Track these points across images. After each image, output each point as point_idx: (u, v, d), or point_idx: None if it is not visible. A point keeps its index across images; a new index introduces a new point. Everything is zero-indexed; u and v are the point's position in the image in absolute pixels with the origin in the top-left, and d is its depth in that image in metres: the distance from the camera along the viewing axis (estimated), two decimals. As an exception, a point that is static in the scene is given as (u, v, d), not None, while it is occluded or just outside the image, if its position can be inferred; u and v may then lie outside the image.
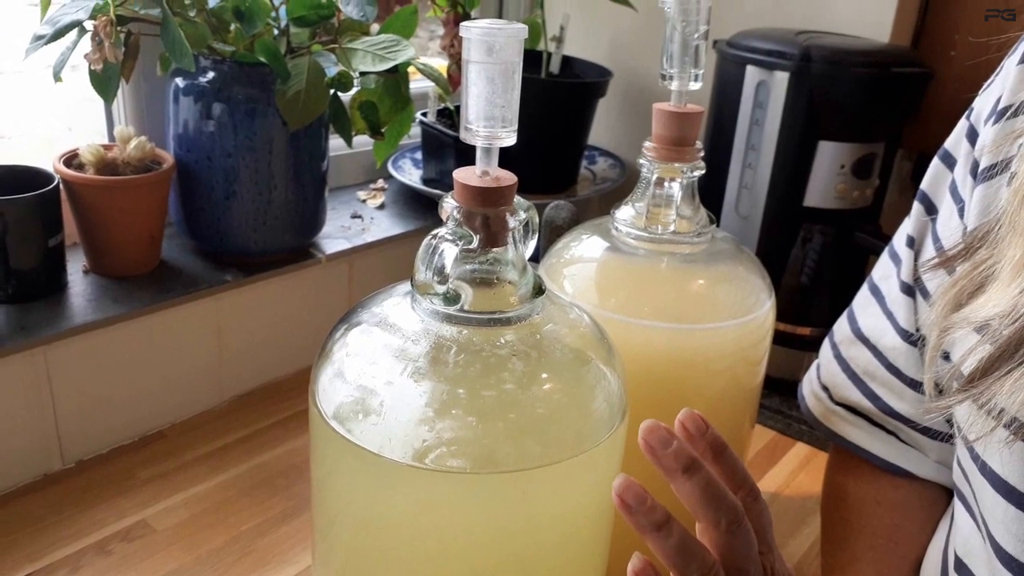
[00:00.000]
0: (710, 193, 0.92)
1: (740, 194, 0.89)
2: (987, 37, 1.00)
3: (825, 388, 0.60)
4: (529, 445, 0.44)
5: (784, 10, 1.03)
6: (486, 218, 0.43)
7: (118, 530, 0.65)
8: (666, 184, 0.57)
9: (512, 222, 0.44)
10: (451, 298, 0.43)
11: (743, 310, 0.59)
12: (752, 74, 0.85)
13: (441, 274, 0.41)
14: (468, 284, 0.44)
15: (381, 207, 1.04)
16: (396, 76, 0.86)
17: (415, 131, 1.08)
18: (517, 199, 0.45)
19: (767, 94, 0.84)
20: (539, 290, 0.46)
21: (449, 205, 0.43)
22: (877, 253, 0.89)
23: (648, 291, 0.59)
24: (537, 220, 0.48)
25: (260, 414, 0.81)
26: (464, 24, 0.41)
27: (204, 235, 0.83)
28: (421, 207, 1.05)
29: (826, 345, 0.62)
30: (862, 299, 0.60)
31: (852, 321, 0.60)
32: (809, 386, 0.63)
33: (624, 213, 0.60)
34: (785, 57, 0.83)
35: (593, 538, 0.49)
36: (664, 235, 0.58)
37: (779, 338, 0.92)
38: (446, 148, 1.03)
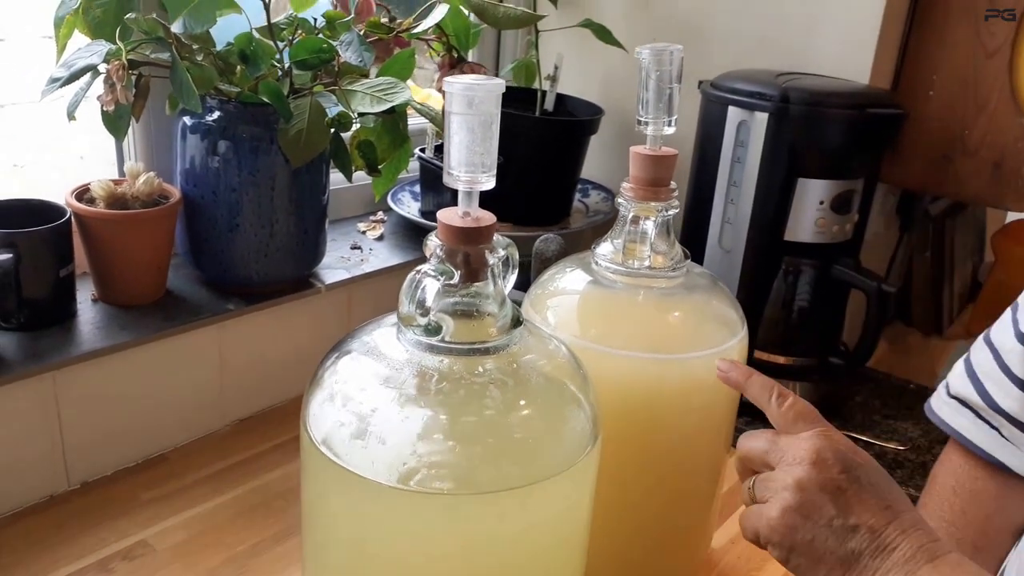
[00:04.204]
0: (695, 227, 0.96)
1: (723, 228, 0.92)
2: (962, 78, 1.05)
3: (947, 385, 0.67)
4: (507, 467, 0.47)
5: (769, 52, 1.07)
6: (467, 255, 0.47)
7: (119, 549, 0.68)
8: (641, 222, 0.61)
9: (491, 259, 0.48)
10: (433, 329, 0.46)
11: (716, 340, 0.62)
12: (734, 114, 0.89)
13: (423, 307, 0.44)
14: (450, 316, 0.47)
15: (380, 238, 1.08)
16: (394, 115, 0.91)
17: (414, 165, 1.12)
18: (497, 237, 0.48)
19: (748, 133, 0.88)
20: (517, 322, 0.49)
21: (433, 243, 0.47)
22: (856, 286, 0.93)
23: (625, 323, 0.62)
24: (516, 256, 0.51)
25: (259, 438, 0.84)
26: (447, 80, 0.45)
27: (208, 266, 0.87)
28: (419, 239, 1.09)
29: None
30: (1006, 312, 0.66)
31: (990, 329, 0.66)
32: (938, 387, 0.70)
33: (604, 249, 0.64)
34: (765, 98, 0.87)
35: (569, 554, 0.52)
36: (640, 270, 0.62)
37: (761, 367, 0.94)
38: (443, 182, 1.07)
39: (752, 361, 0.95)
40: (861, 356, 0.92)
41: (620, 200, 0.62)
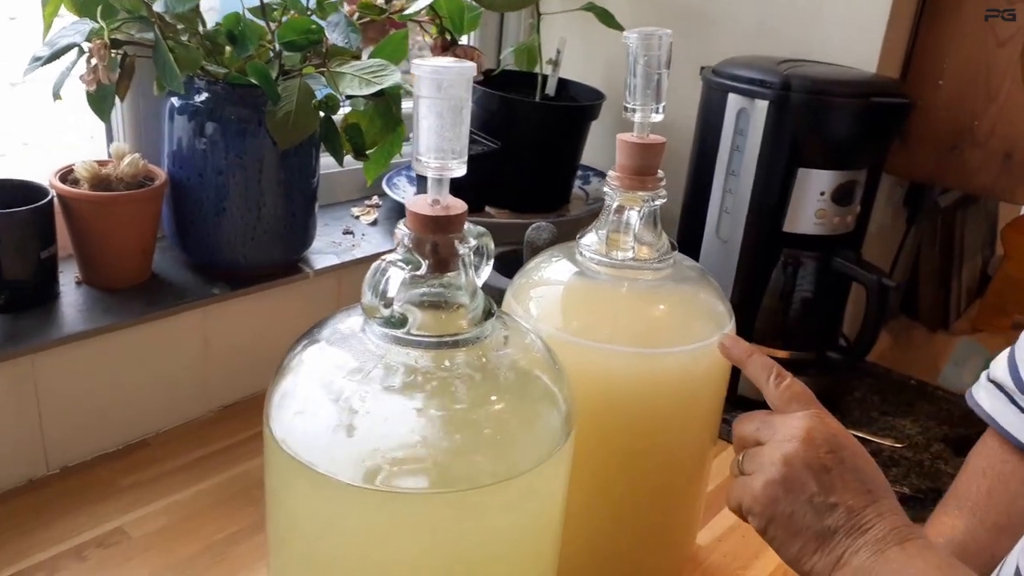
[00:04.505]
0: (693, 216, 0.94)
1: (721, 218, 0.90)
2: (973, 67, 1.02)
3: (988, 370, 0.67)
4: (476, 464, 0.45)
5: (773, 38, 1.04)
6: (435, 245, 0.45)
7: (95, 536, 0.67)
8: (626, 212, 0.59)
9: (462, 248, 0.46)
10: (397, 321, 0.44)
11: (702, 335, 0.60)
12: (733, 101, 0.87)
13: (385, 298, 0.43)
14: (417, 308, 0.45)
15: (374, 223, 1.06)
16: (385, 98, 0.89)
17: (410, 149, 1.11)
18: (468, 226, 0.47)
19: (747, 122, 0.86)
20: (489, 313, 0.48)
21: (400, 232, 0.45)
22: (856, 279, 0.91)
23: (608, 315, 0.60)
24: (491, 246, 0.50)
25: (242, 425, 0.84)
26: (415, 62, 0.43)
27: (195, 249, 0.86)
28: (413, 224, 1.07)
29: None
30: None
31: None
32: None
33: (588, 239, 0.62)
34: (765, 86, 0.85)
35: (540, 550, 0.51)
36: (625, 261, 0.60)
37: (759, 361, 0.93)
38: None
39: (748, 354, 0.93)
40: (860, 351, 0.90)
41: (606, 189, 0.60)
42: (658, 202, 0.60)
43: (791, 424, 0.50)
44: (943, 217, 1.32)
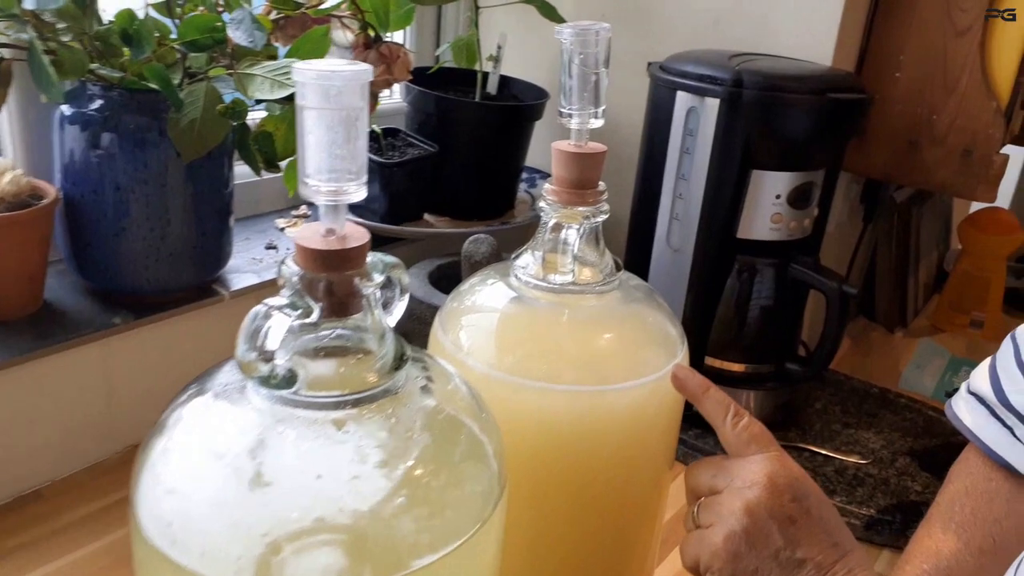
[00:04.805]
0: (642, 225, 0.88)
1: (671, 226, 0.84)
2: (931, 58, 0.97)
3: (968, 381, 0.63)
4: (388, 545, 0.38)
5: (725, 32, 0.99)
6: (330, 284, 0.38)
7: (-30, 610, 0.59)
8: (563, 230, 0.52)
9: (365, 287, 0.39)
10: (279, 382, 0.37)
11: (652, 366, 0.54)
12: (682, 100, 0.81)
13: (264, 352, 0.36)
14: (311, 359, 0.38)
15: (301, 236, 0.98)
16: (307, 101, 0.81)
17: (339, 156, 1.03)
18: (373, 259, 0.40)
19: (697, 121, 0.80)
20: (400, 360, 0.41)
21: (288, 270, 0.38)
22: (815, 287, 0.85)
23: (548, 349, 0.53)
24: (405, 279, 0.43)
25: (152, 468, 0.75)
26: (296, 66, 0.36)
27: (93, 273, 0.77)
28: (345, 236, 1.00)
29: None
30: None
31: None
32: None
33: (524, 260, 0.55)
34: (716, 82, 0.79)
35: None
36: (565, 286, 0.53)
37: (713, 374, 0.87)
38: (370, 172, 0.97)
39: (702, 369, 0.88)
40: (821, 363, 0.85)
41: (541, 204, 0.54)
42: (600, 218, 0.53)
43: (751, 469, 0.47)
44: (899, 213, 1.28)
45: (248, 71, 0.73)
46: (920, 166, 0.99)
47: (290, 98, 0.72)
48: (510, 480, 0.43)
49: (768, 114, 0.79)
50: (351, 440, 0.38)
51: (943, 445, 0.89)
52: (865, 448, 0.87)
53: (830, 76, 0.85)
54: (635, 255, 0.89)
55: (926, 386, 1.05)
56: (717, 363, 0.88)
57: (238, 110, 0.74)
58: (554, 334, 0.54)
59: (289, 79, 0.72)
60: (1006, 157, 0.96)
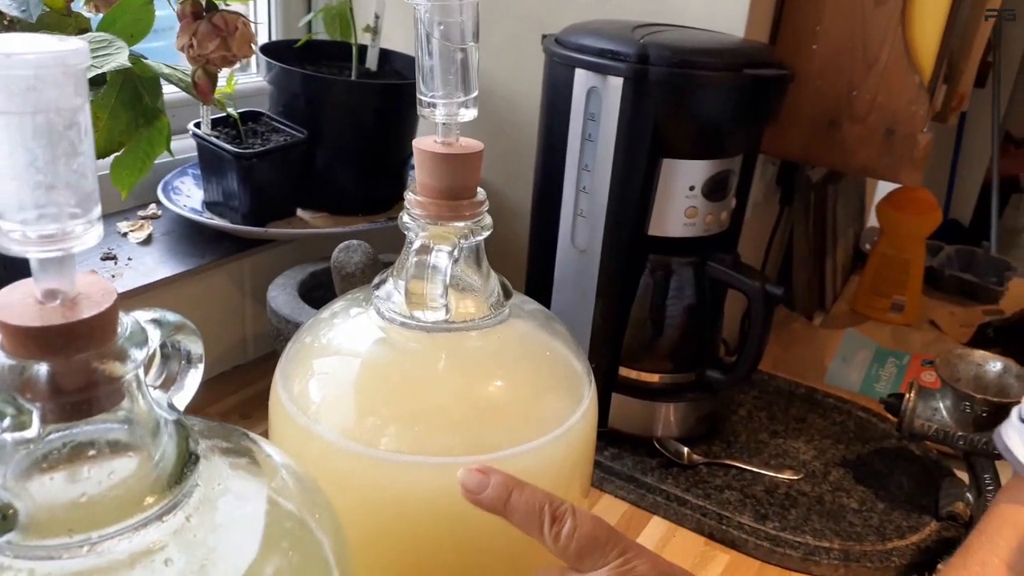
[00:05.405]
0: (544, 222, 0.77)
1: (576, 223, 0.74)
2: (849, 29, 0.89)
3: (1020, 407, 0.59)
4: None
5: (626, 0, 0.88)
6: (54, 376, 0.25)
7: None
8: (432, 253, 0.41)
9: (123, 369, 0.26)
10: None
11: (556, 416, 0.43)
12: (582, 79, 0.70)
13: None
14: (37, 483, 0.26)
15: (147, 242, 0.84)
16: (134, 83, 0.67)
17: (189, 144, 0.88)
18: (134, 324, 0.27)
19: (600, 104, 0.69)
20: (186, 463, 0.29)
21: (-12, 358, 0.25)
22: (735, 286, 0.76)
23: (417, 408, 0.42)
24: (198, 349, 0.30)
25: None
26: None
27: None
28: (202, 239, 0.86)
29: None
30: None
31: None
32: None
33: (387, 290, 0.43)
34: (619, 58, 0.68)
35: None
36: (438, 324, 0.42)
37: (625, 387, 0.78)
38: (226, 164, 0.83)
39: (616, 381, 0.78)
40: (745, 371, 0.76)
41: (405, 219, 0.42)
42: (480, 236, 0.42)
43: None
44: (815, 192, 1.21)
45: (42, 48, 0.58)
46: (840, 147, 0.91)
47: (95, 82, 0.58)
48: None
49: (679, 94, 0.69)
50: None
51: (876, 452, 0.82)
52: (796, 460, 0.79)
53: (746, 49, 0.75)
54: (538, 258, 0.79)
55: (852, 380, 0.99)
56: (633, 374, 0.78)
57: (29, 98, 0.59)
58: (426, 388, 0.42)
59: (98, 57, 0.58)
60: (930, 137, 0.89)
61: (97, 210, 0.25)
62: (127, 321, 0.27)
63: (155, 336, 0.29)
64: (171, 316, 0.30)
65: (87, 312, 0.25)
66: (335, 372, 0.44)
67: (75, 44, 0.23)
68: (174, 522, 0.28)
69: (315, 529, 0.33)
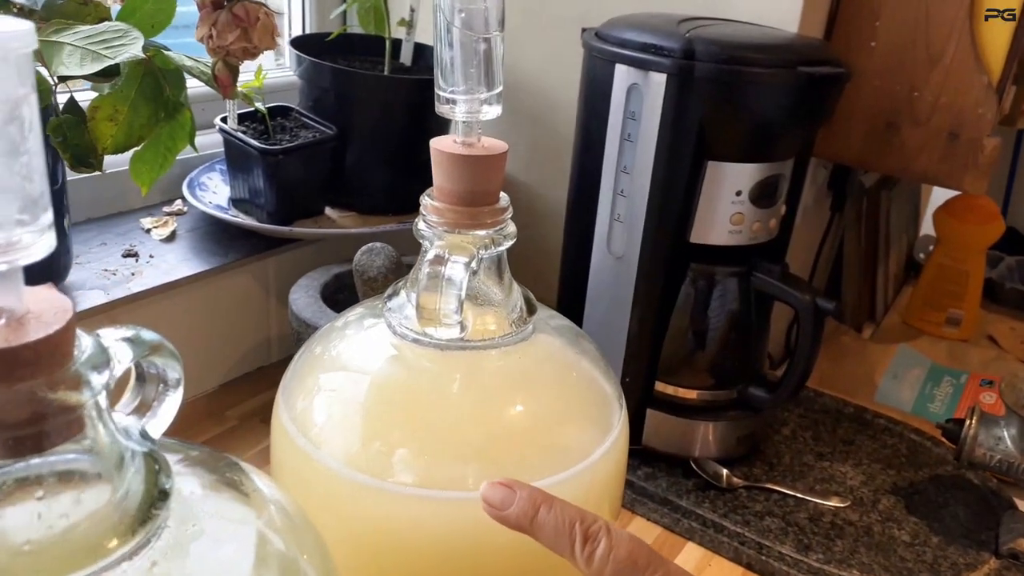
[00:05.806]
0: (579, 227, 0.73)
1: (612, 228, 0.70)
2: (911, 24, 0.84)
3: None
4: None
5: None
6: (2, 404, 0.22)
7: None
8: (447, 264, 0.37)
9: (72, 398, 0.23)
10: None
11: (583, 446, 0.39)
12: (623, 75, 0.66)
13: None
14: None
15: (170, 238, 0.81)
16: (155, 75, 0.65)
17: (218, 140, 0.86)
18: (94, 346, 0.24)
19: (641, 102, 0.65)
20: (154, 501, 0.25)
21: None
22: (782, 299, 0.72)
23: (429, 436, 0.38)
24: (174, 371, 0.27)
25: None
26: None
27: None
28: (227, 236, 0.83)
29: None
30: None
31: None
32: None
33: (398, 302, 0.40)
34: (662, 53, 0.64)
35: None
36: (453, 341, 0.38)
37: (662, 403, 0.73)
38: (252, 160, 0.81)
39: (652, 396, 0.73)
40: (791, 390, 0.72)
41: (420, 225, 0.38)
42: (502, 246, 0.38)
43: None
44: (868, 198, 1.15)
45: (56, 38, 0.56)
46: (899, 151, 0.86)
47: (108, 73, 0.56)
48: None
49: (726, 92, 0.64)
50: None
51: (930, 479, 0.76)
52: (843, 486, 0.74)
53: (800, 46, 0.70)
54: (571, 264, 0.75)
55: (904, 399, 0.93)
56: (670, 389, 0.74)
57: (41, 89, 0.57)
58: (438, 412, 0.39)
59: (111, 48, 0.56)
60: (997, 142, 0.82)
61: (47, 216, 0.22)
62: (87, 342, 0.24)
63: (125, 356, 0.26)
64: (147, 335, 0.27)
65: (35, 334, 0.22)
66: (340, 390, 0.41)
67: (18, 25, 0.20)
68: (136, 568, 0.25)
69: (306, 571, 0.29)
